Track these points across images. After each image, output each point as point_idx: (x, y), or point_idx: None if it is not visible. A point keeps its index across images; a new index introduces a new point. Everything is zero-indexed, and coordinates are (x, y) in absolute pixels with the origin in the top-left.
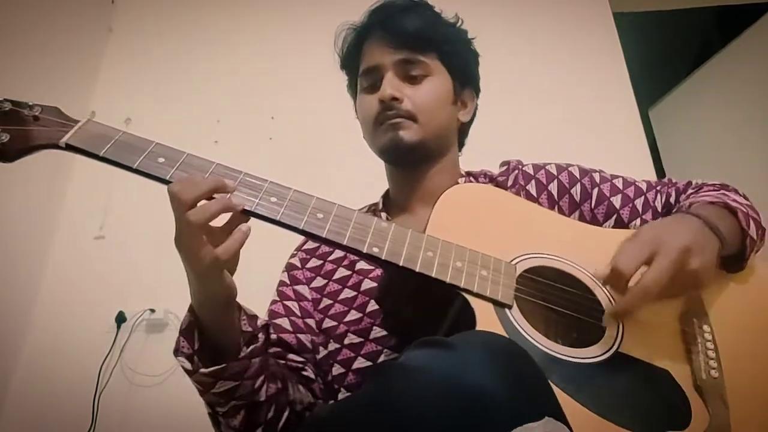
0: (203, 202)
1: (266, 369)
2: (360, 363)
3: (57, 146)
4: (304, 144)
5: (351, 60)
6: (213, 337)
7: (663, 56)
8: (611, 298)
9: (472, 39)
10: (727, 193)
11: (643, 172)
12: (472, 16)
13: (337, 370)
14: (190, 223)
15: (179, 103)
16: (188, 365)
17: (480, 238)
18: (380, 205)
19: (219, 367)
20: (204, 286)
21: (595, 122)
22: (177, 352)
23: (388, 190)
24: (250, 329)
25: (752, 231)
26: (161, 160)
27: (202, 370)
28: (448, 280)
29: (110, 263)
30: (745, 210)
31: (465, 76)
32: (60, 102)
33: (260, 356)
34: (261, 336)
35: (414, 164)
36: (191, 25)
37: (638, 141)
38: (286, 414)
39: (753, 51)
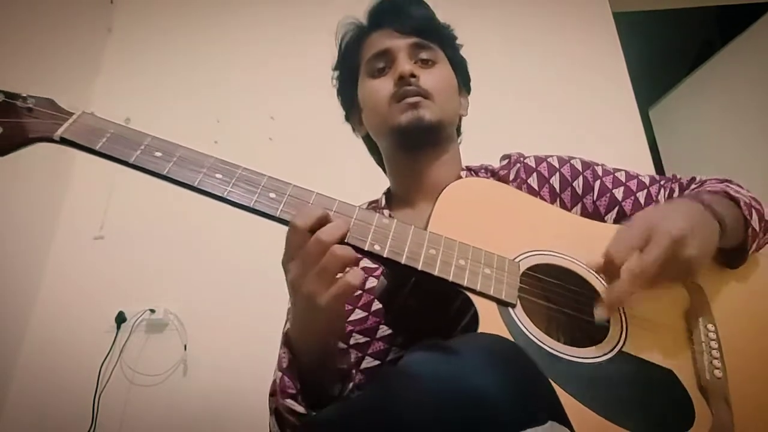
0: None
1: None
2: (368, 362)
3: (51, 140)
4: (304, 144)
5: (350, 55)
6: (311, 374)
7: (663, 56)
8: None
9: (460, 45)
10: (729, 185)
11: (643, 172)
12: (472, 16)
13: None
14: (330, 248)
15: (179, 103)
16: (299, 407)
17: (483, 234)
18: (382, 203)
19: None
20: (332, 321)
21: (595, 122)
22: (283, 393)
23: (389, 188)
24: (345, 366)
25: (755, 221)
26: (158, 154)
27: (314, 412)
28: (450, 279)
29: (110, 263)
30: (747, 200)
31: (463, 73)
32: (59, 102)
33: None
34: (354, 372)
35: (427, 146)
36: (190, 25)
37: (638, 141)
38: None
39: (753, 51)
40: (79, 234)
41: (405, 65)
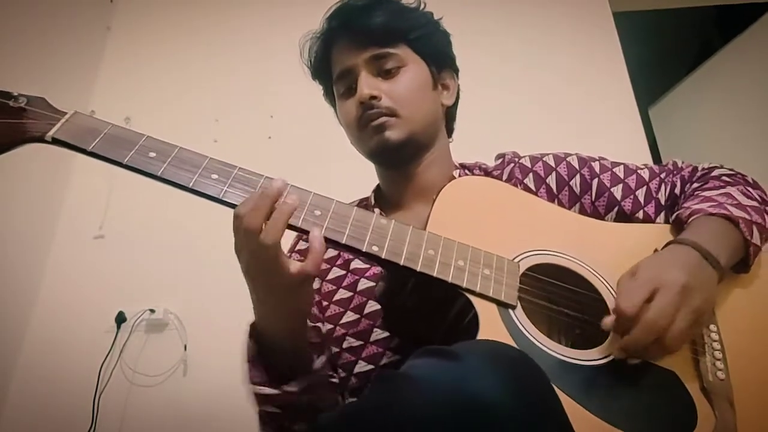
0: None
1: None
2: (361, 367)
3: (43, 140)
4: (303, 143)
5: (322, 68)
6: (282, 356)
7: (663, 56)
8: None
9: (439, 19)
10: (732, 193)
11: None
12: (472, 15)
13: (339, 374)
14: (267, 246)
15: (178, 102)
16: (269, 390)
17: (482, 234)
18: (372, 201)
19: (305, 381)
20: (292, 304)
21: (595, 122)
22: (253, 380)
23: (378, 185)
24: (318, 340)
25: (755, 239)
26: (152, 154)
27: (288, 388)
28: (449, 280)
29: (110, 263)
30: (748, 217)
31: (440, 59)
32: (59, 102)
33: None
34: (328, 346)
35: (406, 162)
36: (190, 24)
37: (638, 141)
38: None
39: (753, 50)
40: (79, 234)
41: (364, 88)
